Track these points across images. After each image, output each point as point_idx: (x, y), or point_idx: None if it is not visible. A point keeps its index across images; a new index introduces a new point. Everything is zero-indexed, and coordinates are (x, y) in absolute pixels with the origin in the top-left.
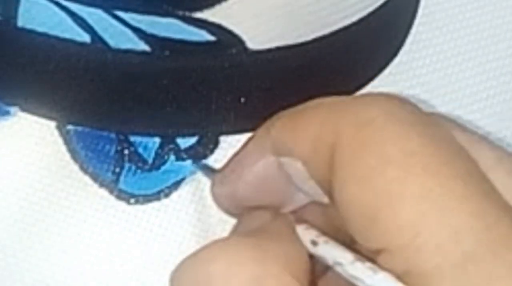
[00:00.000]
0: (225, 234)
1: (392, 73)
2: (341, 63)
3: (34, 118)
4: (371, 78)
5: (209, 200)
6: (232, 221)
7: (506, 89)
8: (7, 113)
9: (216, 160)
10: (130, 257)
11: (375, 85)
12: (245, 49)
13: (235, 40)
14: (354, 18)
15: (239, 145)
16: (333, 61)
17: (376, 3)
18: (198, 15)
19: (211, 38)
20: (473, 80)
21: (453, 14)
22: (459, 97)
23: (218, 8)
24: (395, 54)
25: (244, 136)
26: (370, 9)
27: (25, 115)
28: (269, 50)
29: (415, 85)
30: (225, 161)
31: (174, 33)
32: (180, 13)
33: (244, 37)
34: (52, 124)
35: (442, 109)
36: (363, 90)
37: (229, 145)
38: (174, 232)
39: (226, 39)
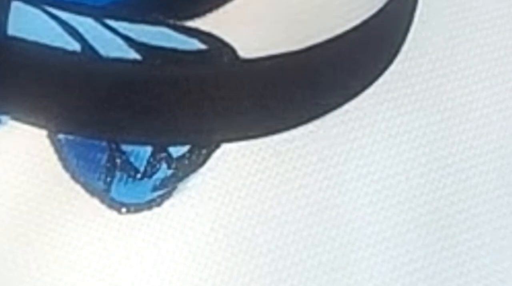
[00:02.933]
0: (217, 243)
1: (387, 81)
2: (335, 72)
3: (25, 127)
4: (366, 86)
5: (202, 209)
6: (226, 230)
7: (504, 98)
8: None
9: (209, 169)
10: (121, 266)
11: (370, 94)
12: (237, 58)
13: (226, 48)
14: (347, 27)
15: (232, 154)
16: (326, 70)
17: (369, 11)
18: (189, 23)
19: (202, 46)
20: (469, 89)
21: (450, 21)
22: (455, 105)
23: (209, 17)
24: (390, 62)
25: (237, 146)
26: (364, 17)
27: (16, 124)
28: (261, 59)
29: (411, 94)
30: (217, 170)
31: (165, 42)
32: (171, 21)
33: (235, 45)
34: (44, 133)
35: (438, 117)
36: (358, 98)
37: (222, 153)
38: (166, 241)
39: (217, 47)
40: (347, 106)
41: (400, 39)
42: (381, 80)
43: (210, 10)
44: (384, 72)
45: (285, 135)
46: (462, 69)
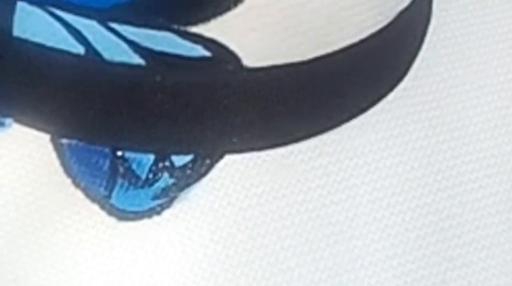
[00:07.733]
0: (216, 254)
1: (396, 98)
2: (341, 84)
3: (29, 130)
4: (374, 102)
5: (201, 220)
6: (226, 241)
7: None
8: (1, 124)
9: (211, 179)
10: (119, 274)
11: (378, 110)
12: (241, 66)
13: (230, 56)
14: (356, 39)
15: (235, 166)
16: (333, 82)
17: (379, 25)
18: (193, 29)
19: (206, 53)
20: (481, 108)
21: (462, 42)
22: (465, 125)
23: (213, 23)
24: (401, 78)
25: (241, 157)
26: (372, 30)
27: (20, 127)
28: (266, 69)
29: (420, 111)
30: (220, 181)
31: (169, 47)
32: (175, 27)
33: (239, 53)
34: (47, 137)
35: (447, 136)
36: (366, 114)
37: (225, 164)
38: (165, 250)
39: (221, 55)
40: (354, 122)
41: (411, 54)
42: (390, 97)
43: (214, 16)
44: (393, 89)
45: (290, 148)
46: (474, 89)
